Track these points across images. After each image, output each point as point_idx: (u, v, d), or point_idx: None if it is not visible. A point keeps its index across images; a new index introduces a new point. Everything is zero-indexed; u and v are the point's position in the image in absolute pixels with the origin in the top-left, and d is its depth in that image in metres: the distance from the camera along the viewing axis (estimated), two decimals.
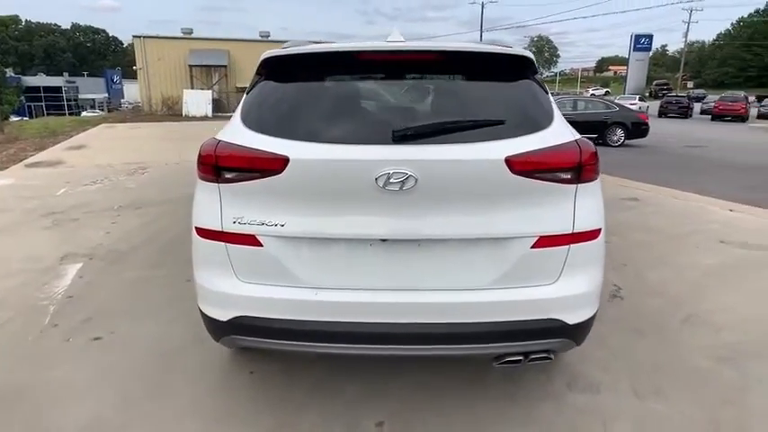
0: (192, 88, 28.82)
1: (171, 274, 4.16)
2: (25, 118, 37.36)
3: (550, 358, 2.21)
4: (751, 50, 72.95)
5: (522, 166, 1.94)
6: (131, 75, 41.22)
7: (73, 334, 3.16)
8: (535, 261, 2.03)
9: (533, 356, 2.16)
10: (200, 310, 2.26)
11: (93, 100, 56.66)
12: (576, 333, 2.15)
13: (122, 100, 48.59)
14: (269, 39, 32.22)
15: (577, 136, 2.12)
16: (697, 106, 33.54)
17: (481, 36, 47.34)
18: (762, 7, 76.14)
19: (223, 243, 2.08)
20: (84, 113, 40.88)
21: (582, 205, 2.06)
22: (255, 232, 2.02)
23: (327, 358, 2.80)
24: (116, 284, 3.95)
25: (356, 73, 2.26)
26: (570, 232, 2.04)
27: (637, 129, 15.05)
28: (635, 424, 2.35)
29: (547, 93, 2.27)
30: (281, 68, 2.28)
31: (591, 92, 55.33)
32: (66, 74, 65.31)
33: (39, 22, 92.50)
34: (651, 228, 5.63)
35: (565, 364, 2.81)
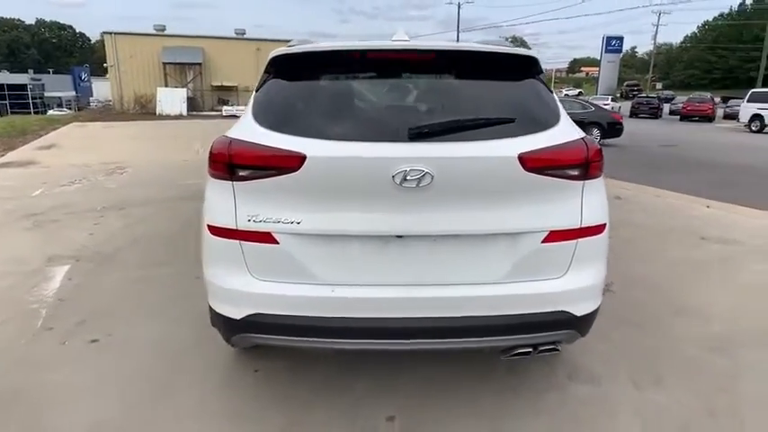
0: (166, 86, 28.29)
1: (164, 274, 4.10)
2: None
3: (558, 350, 2.28)
4: (716, 53, 75.39)
5: (534, 163, 1.99)
6: (100, 72, 40.23)
7: (68, 337, 3.09)
8: (545, 255, 2.09)
9: (542, 348, 2.21)
10: (211, 309, 2.25)
11: (60, 98, 54.90)
12: (583, 324, 2.22)
13: (91, 98, 47.26)
14: (244, 36, 31.88)
15: (582, 134, 2.18)
16: (666, 107, 34.52)
17: (458, 36, 47.71)
18: (726, 11, 78.91)
19: (237, 241, 2.07)
20: (50, 112, 39.59)
21: (589, 201, 2.13)
22: (271, 230, 2.02)
23: (333, 355, 2.82)
24: (107, 286, 3.87)
25: (366, 71, 2.27)
26: (578, 227, 2.10)
27: (612, 128, 15.42)
28: (636, 414, 2.43)
29: (551, 92, 2.34)
30: (290, 67, 2.28)
31: (564, 92, 56.40)
32: (30, 71, 63.07)
33: (1, 18, 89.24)
34: (636, 224, 5.80)
35: (565, 356, 2.88)
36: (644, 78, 72.85)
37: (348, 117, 2.16)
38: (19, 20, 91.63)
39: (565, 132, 2.13)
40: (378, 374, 2.70)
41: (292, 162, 1.96)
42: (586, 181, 2.11)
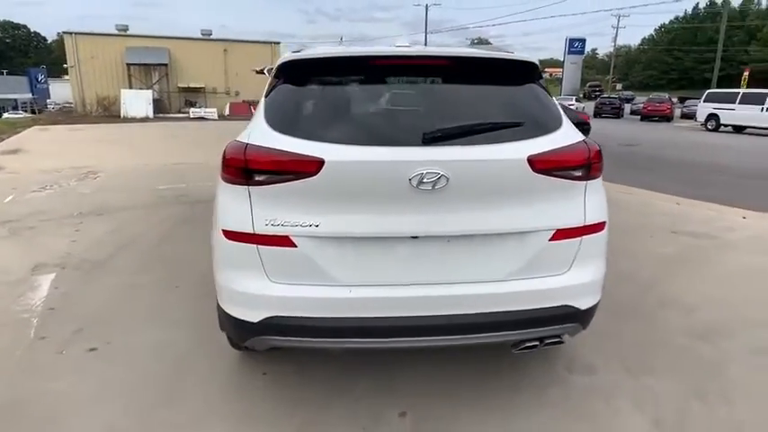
0: (131, 88, 27.54)
1: (156, 280, 4.06)
2: None
3: (562, 342, 2.39)
4: (672, 55, 78.39)
5: (542, 164, 2.09)
6: (58, 73, 38.77)
7: (65, 346, 3.03)
8: (552, 252, 2.19)
9: (548, 341, 2.32)
10: (224, 313, 2.26)
11: (16, 100, 52.63)
12: (586, 318, 2.34)
13: (48, 100, 45.55)
14: (211, 37, 31.36)
15: (582, 136, 2.30)
16: (627, 107, 35.75)
17: (426, 38, 48.13)
18: (681, 15, 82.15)
19: (254, 245, 2.09)
20: (6, 115, 37.93)
21: (591, 200, 2.25)
22: (290, 233, 2.06)
23: (340, 355, 2.86)
24: (99, 294, 3.80)
25: (377, 77, 2.33)
26: (582, 225, 2.22)
27: (580, 128, 15.36)
28: (634, 400, 2.56)
29: (551, 96, 2.45)
30: (302, 73, 2.32)
31: None
32: None
33: None
34: (612, 221, 6.00)
35: (561, 349, 3.00)
36: (605, 79, 75.14)
37: (362, 122, 2.22)
38: None
39: (567, 135, 2.24)
40: (382, 374, 2.75)
41: (311, 167, 2.00)
42: (588, 181, 2.23)
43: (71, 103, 29.71)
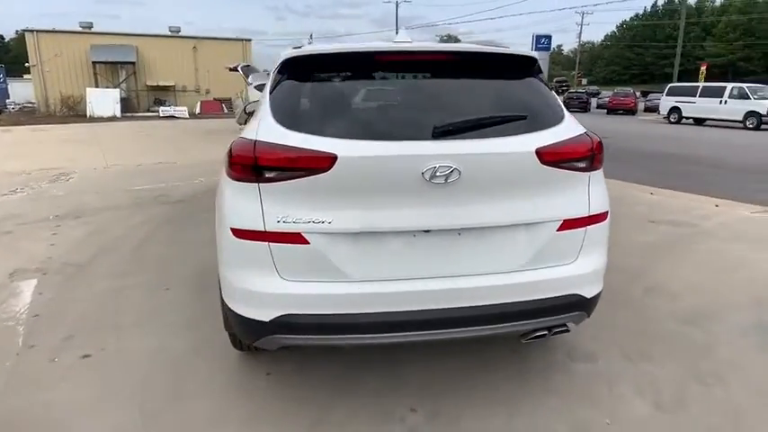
0: (97, 87, 26.63)
1: (144, 283, 3.96)
2: None
3: (568, 330, 2.44)
4: (633, 51, 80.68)
5: (549, 156, 2.13)
6: (18, 72, 37.26)
7: (57, 354, 2.93)
8: (560, 242, 2.24)
9: (555, 330, 2.37)
10: (233, 313, 2.23)
11: None
12: (591, 305, 2.40)
13: (8, 100, 43.77)
14: (180, 34, 30.62)
15: (584, 129, 2.35)
16: (594, 101, 36.59)
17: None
18: (640, 12, 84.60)
19: (266, 243, 2.07)
20: None
21: (594, 190, 2.30)
22: (302, 230, 2.04)
23: (346, 352, 2.85)
24: (84, 299, 3.68)
25: (384, 72, 2.33)
26: (587, 215, 2.27)
27: None
28: (635, 384, 2.64)
29: (551, 90, 2.49)
30: (306, 69, 2.30)
31: None
32: None
33: None
34: None
35: (560, 337, 3.06)
36: (570, 75, 76.74)
37: (372, 117, 2.22)
38: None
39: (570, 127, 2.28)
40: (386, 371, 2.76)
41: (323, 162, 1.99)
42: (592, 172, 2.29)
43: (33, 103, 28.58)
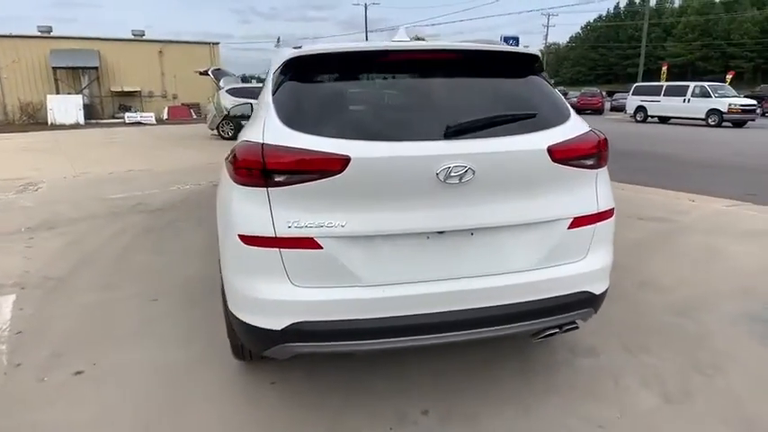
0: (58, 93, 25.79)
1: (130, 295, 3.82)
2: None
3: (577, 327, 2.45)
4: (597, 51, 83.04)
5: (560, 154, 2.14)
6: None
7: (46, 372, 2.78)
8: (571, 240, 2.25)
9: (566, 327, 2.37)
10: (241, 323, 2.15)
11: None
12: (599, 302, 2.42)
13: None
14: (144, 38, 29.92)
15: (589, 126, 2.37)
16: None
17: (366, 37, 48.15)
18: (603, 14, 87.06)
19: (276, 249, 2.00)
20: None
21: (601, 187, 2.33)
22: (315, 234, 1.99)
23: (352, 358, 2.80)
24: (70, 313, 3.52)
25: (388, 71, 2.30)
26: (596, 212, 2.29)
27: None
28: (640, 377, 2.68)
29: (554, 88, 2.51)
30: (311, 69, 2.24)
31: None
32: None
33: None
34: None
35: (561, 335, 3.08)
36: None
37: (382, 117, 2.18)
38: None
39: (577, 125, 2.30)
40: (395, 372, 2.73)
41: (336, 165, 1.94)
42: (599, 169, 2.31)
43: None
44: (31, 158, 11.94)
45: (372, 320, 2.07)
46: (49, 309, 3.60)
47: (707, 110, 21.70)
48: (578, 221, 2.24)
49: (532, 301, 2.19)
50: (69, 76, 26.86)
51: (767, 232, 5.27)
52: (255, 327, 2.10)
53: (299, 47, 2.39)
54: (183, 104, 28.84)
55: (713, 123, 21.37)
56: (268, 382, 2.68)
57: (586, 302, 2.33)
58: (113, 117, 27.13)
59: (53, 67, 25.95)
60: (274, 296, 2.05)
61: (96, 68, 26.96)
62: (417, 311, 2.09)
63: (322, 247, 2.00)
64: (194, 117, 27.93)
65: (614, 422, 2.35)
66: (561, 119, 2.28)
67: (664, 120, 24.02)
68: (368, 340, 2.11)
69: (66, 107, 24.73)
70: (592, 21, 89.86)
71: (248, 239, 2.04)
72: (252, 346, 2.31)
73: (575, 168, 2.20)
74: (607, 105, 34.85)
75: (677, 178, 8.60)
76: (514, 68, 2.44)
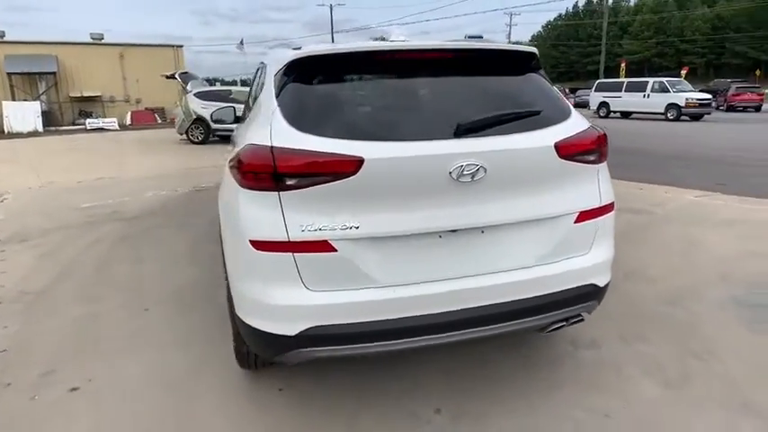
0: (14, 99, 24.73)
1: (117, 306, 3.69)
2: None
3: (583, 319, 2.50)
4: (558, 49, 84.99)
5: (566, 150, 2.18)
6: None
7: (37, 390, 2.66)
8: (576, 234, 2.29)
9: (572, 320, 2.41)
10: (251, 329, 2.11)
11: None
12: (603, 294, 2.47)
13: None
14: (104, 41, 29.01)
15: (589, 123, 2.42)
16: None
17: (332, 38, 48.00)
18: (563, 13, 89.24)
19: (290, 253, 1.97)
20: None
21: (603, 182, 2.38)
22: (329, 237, 1.96)
23: (361, 360, 2.78)
24: (56, 327, 3.38)
25: (393, 71, 2.28)
26: (599, 206, 2.34)
27: None
28: (641, 366, 2.75)
29: (553, 85, 2.55)
30: (316, 70, 2.21)
31: None
32: None
33: None
34: None
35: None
36: None
37: (392, 117, 2.17)
38: None
39: (578, 122, 2.34)
40: (406, 372, 2.72)
41: (350, 166, 1.92)
42: (600, 164, 2.36)
43: None
44: None
45: (387, 321, 2.05)
46: (32, 324, 3.45)
47: (666, 104, 22.50)
48: (583, 215, 2.28)
49: (542, 295, 2.22)
50: (26, 81, 25.82)
51: (739, 220, 5.50)
52: (267, 333, 2.06)
53: (299, 48, 2.36)
54: (147, 109, 28.10)
55: (672, 117, 22.17)
56: (276, 389, 2.63)
57: (592, 295, 2.38)
58: (74, 123, 26.20)
59: (8, 73, 24.90)
60: (288, 301, 2.01)
61: (54, 74, 25.99)
62: (431, 311, 2.09)
63: (336, 250, 1.98)
64: (160, 122, 27.25)
65: (620, 411, 2.41)
66: (563, 116, 2.32)
67: (626, 114, 24.79)
68: (383, 342, 2.10)
69: (23, 114, 23.73)
70: (552, 20, 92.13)
71: (260, 245, 2.00)
72: (263, 352, 2.26)
73: (579, 164, 2.25)
74: (571, 102, 35.71)
75: (649, 171, 8.85)
76: (514, 66, 2.46)
